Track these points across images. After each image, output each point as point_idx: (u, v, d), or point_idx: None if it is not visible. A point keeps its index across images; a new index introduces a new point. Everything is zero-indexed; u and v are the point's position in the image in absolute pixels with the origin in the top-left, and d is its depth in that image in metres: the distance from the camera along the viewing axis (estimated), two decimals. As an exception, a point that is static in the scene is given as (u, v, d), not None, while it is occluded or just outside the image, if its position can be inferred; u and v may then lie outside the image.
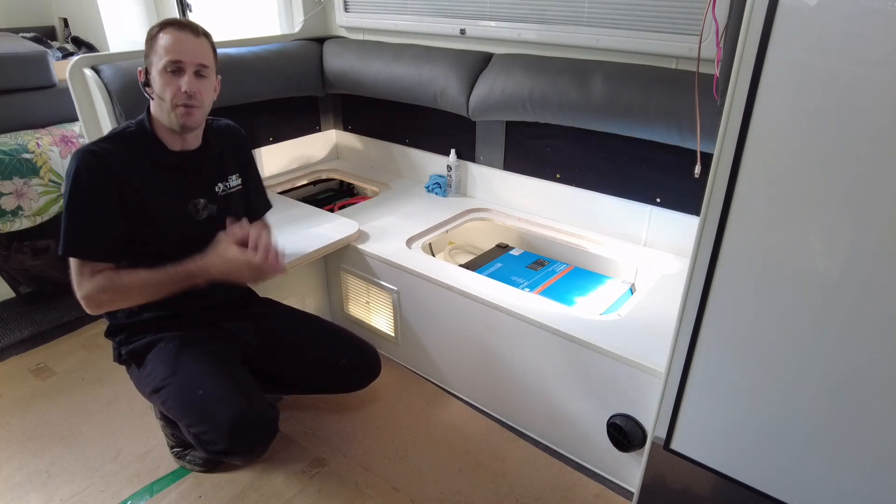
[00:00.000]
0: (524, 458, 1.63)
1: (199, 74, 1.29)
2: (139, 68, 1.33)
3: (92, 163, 1.25)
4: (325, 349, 1.57)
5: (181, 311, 1.44)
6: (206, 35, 1.32)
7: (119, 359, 1.47)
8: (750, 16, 0.89)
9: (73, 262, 1.30)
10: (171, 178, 1.37)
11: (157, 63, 1.26)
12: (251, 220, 1.47)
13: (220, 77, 1.40)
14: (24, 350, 2.06)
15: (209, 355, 1.38)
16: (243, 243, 1.33)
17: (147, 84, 1.31)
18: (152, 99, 1.32)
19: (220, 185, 1.46)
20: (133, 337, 1.44)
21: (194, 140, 1.40)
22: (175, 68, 1.26)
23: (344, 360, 1.57)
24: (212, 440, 1.29)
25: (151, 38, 1.28)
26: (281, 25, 2.63)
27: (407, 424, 1.74)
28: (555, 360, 1.54)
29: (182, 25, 1.28)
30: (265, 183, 2.45)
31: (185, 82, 1.26)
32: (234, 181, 1.50)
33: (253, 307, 1.61)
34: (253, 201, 1.59)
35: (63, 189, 1.30)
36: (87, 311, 1.32)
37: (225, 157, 1.49)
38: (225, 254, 1.30)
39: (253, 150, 1.68)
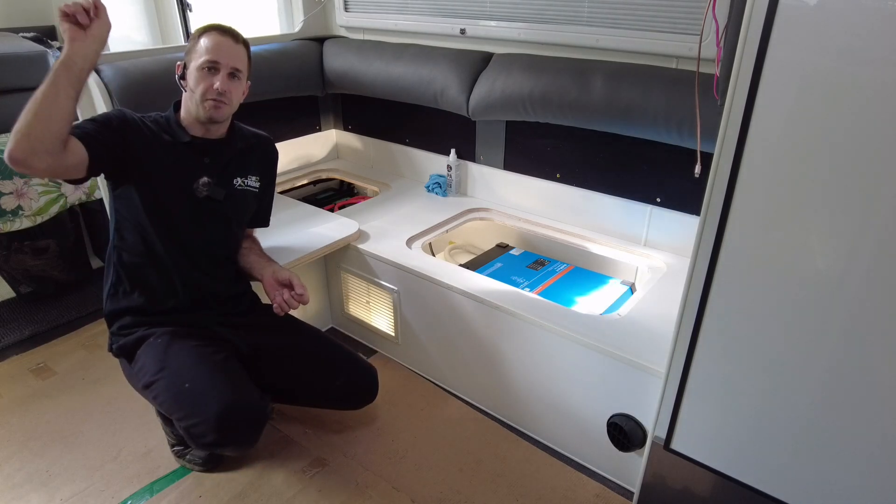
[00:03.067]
0: (524, 458, 1.63)
1: (232, 76, 1.40)
2: (178, 62, 1.43)
3: (116, 110, 1.39)
4: (319, 370, 1.57)
5: (174, 307, 1.46)
6: (245, 43, 1.44)
7: (111, 350, 1.50)
8: (750, 16, 0.89)
9: None
10: (184, 155, 1.44)
11: (196, 60, 1.37)
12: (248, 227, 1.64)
13: (249, 83, 1.49)
14: (24, 350, 2.06)
15: (198, 348, 1.40)
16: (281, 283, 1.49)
17: (183, 77, 1.42)
18: (185, 91, 1.42)
19: (238, 178, 1.53)
20: (124, 329, 1.46)
21: (217, 132, 1.48)
22: (211, 67, 1.37)
23: (338, 382, 1.57)
24: (201, 432, 1.30)
25: (195, 38, 1.40)
26: (281, 25, 2.63)
27: (407, 424, 1.74)
28: (555, 359, 1.54)
29: (225, 31, 1.40)
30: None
31: (218, 81, 1.37)
32: (253, 182, 1.57)
33: (252, 316, 1.60)
34: (258, 212, 1.64)
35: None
36: (11, 163, 1.16)
37: (248, 156, 1.56)
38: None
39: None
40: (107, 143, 1.31)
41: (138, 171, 1.38)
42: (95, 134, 1.30)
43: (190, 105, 1.41)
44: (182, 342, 1.41)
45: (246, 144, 1.55)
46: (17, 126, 1.15)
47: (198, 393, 1.31)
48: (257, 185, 1.57)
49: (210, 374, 1.35)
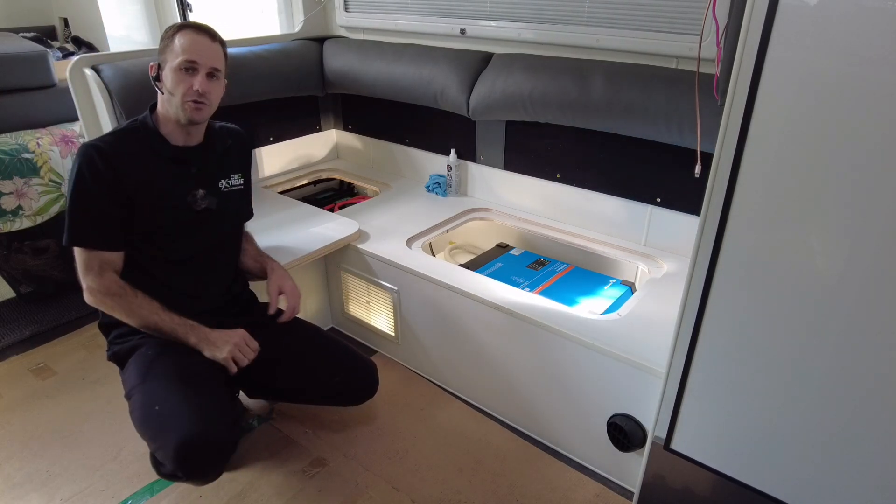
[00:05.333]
0: (524, 458, 1.63)
1: (210, 76, 1.36)
2: (151, 63, 1.38)
3: (93, 156, 1.31)
4: (318, 367, 1.55)
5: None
6: (221, 41, 1.40)
7: (109, 358, 1.48)
8: (750, 16, 0.89)
9: (77, 252, 1.33)
10: (171, 170, 1.41)
11: (173, 61, 1.32)
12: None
13: (226, 81, 1.45)
14: (25, 350, 2.06)
15: (182, 366, 1.34)
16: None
17: (158, 79, 1.37)
18: (162, 93, 1.37)
19: (223, 181, 1.51)
20: (119, 338, 1.44)
21: (197, 136, 1.45)
22: (189, 67, 1.32)
23: (337, 378, 1.56)
24: (161, 460, 1.28)
25: (169, 37, 1.34)
26: (281, 25, 2.63)
27: (407, 424, 1.74)
28: (555, 360, 1.54)
29: (200, 29, 1.35)
30: (266, 183, 2.47)
31: (198, 82, 1.33)
32: (237, 180, 1.55)
33: (249, 316, 1.59)
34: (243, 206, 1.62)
35: (68, 182, 1.35)
36: (86, 300, 1.35)
37: (230, 156, 1.54)
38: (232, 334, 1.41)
39: (253, 150, 1.70)
40: (119, 217, 1.33)
41: (134, 200, 1.35)
42: (112, 229, 1.34)
43: (168, 108, 1.36)
44: (167, 357, 1.35)
45: (224, 145, 1.52)
46: (111, 302, 1.33)
47: (164, 418, 1.25)
48: (241, 181, 1.56)
49: (183, 398, 1.27)
